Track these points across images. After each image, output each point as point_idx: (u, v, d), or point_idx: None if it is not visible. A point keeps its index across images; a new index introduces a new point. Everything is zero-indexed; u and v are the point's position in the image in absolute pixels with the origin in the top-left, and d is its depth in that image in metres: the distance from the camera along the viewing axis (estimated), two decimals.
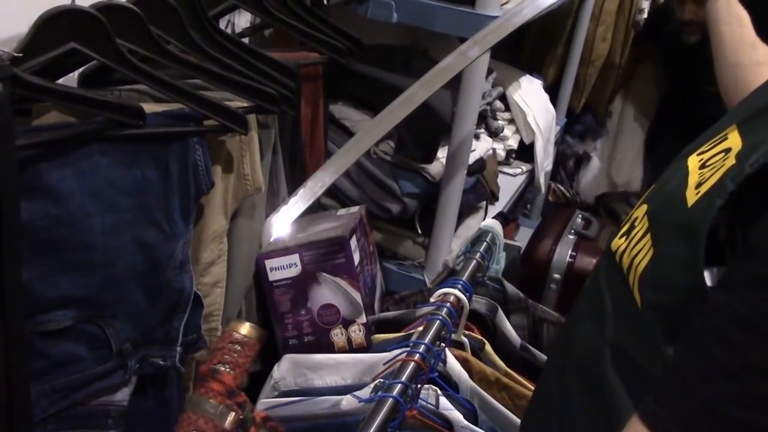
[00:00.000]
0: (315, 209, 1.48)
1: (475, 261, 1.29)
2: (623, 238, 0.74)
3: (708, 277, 0.60)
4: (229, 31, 1.38)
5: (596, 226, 2.50)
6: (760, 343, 0.54)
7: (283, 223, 0.95)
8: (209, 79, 1.00)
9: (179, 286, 1.03)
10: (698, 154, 0.71)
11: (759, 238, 0.57)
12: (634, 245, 0.71)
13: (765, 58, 1.07)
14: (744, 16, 1.11)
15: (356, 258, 1.24)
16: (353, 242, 1.24)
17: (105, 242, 0.95)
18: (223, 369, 0.85)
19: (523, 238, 2.61)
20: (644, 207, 0.75)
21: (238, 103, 1.06)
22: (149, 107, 0.98)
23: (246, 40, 1.41)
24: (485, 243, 1.35)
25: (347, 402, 1.06)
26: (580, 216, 2.54)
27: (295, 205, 0.97)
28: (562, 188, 2.93)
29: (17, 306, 0.82)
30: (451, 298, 1.16)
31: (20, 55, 0.78)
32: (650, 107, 2.91)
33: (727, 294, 0.58)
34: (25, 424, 0.88)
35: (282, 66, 1.16)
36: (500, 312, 1.32)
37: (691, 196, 0.65)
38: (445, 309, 1.13)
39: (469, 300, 1.22)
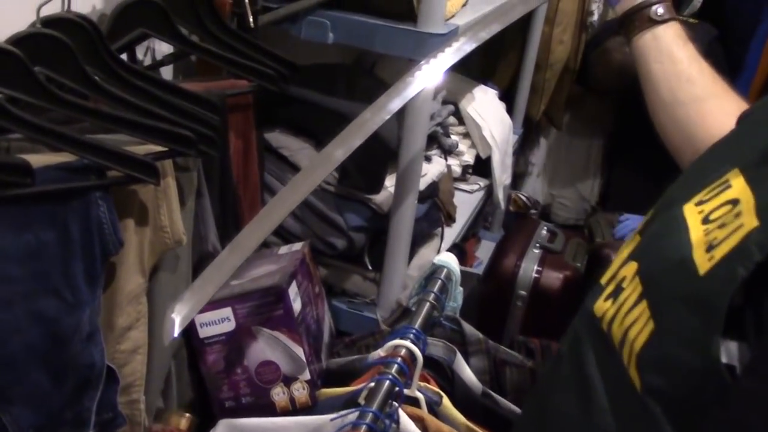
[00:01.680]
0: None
1: (428, 303, 1.17)
2: (609, 302, 0.63)
3: (724, 354, 0.51)
4: (148, 58, 1.25)
5: (562, 238, 2.41)
6: None
7: (187, 315, 0.82)
8: (109, 124, 0.88)
9: (88, 361, 0.90)
10: (696, 204, 0.61)
11: None
12: (626, 313, 0.60)
13: (705, 92, 0.99)
14: (675, 50, 1.02)
15: (296, 307, 1.12)
16: (292, 290, 1.12)
17: None
18: None
19: (485, 252, 2.51)
20: (633, 265, 0.65)
21: (149, 147, 0.93)
22: (43, 158, 0.85)
23: (170, 68, 1.29)
24: (440, 281, 1.23)
25: None
26: (545, 228, 2.45)
27: (203, 290, 0.84)
28: (523, 197, 2.84)
29: None
30: (402, 352, 1.05)
31: None
32: (605, 115, 2.84)
33: (759, 381, 0.48)
34: None
35: (202, 99, 1.03)
36: (458, 356, 1.21)
37: (703, 262, 0.55)
38: (395, 366, 1.02)
39: (423, 348, 1.11)
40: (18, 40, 0.81)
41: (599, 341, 0.64)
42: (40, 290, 0.85)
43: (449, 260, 1.29)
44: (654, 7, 1.05)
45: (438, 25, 1.21)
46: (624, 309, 0.61)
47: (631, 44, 1.07)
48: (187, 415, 0.80)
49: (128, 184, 0.90)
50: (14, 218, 0.82)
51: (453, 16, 1.34)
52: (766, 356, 0.49)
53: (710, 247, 0.55)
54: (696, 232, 0.58)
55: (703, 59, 1.02)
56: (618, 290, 0.63)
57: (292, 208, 0.96)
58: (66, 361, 0.88)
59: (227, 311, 1.09)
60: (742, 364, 0.50)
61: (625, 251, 0.72)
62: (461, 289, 1.31)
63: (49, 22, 0.85)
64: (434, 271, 1.27)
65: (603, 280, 0.71)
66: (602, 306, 0.64)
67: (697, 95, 0.98)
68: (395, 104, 1.02)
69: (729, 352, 0.51)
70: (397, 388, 1.01)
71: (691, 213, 0.60)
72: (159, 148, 0.92)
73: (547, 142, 3.03)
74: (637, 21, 1.05)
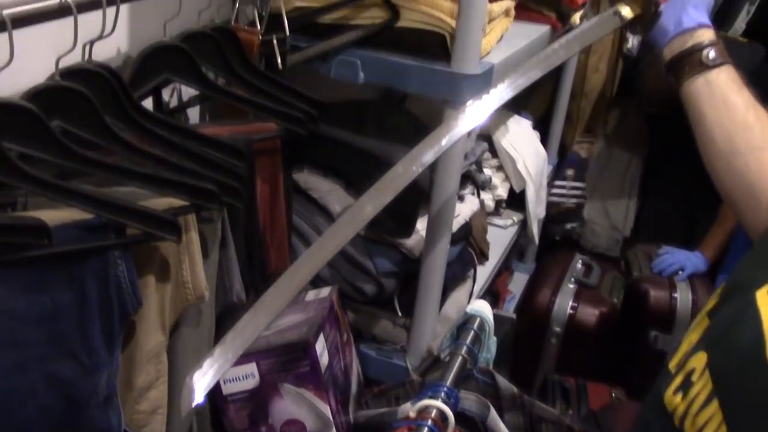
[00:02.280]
0: None
1: (461, 357, 1.12)
2: (679, 395, 0.58)
3: None
4: (175, 99, 1.22)
5: (598, 272, 2.34)
6: None
7: (207, 382, 0.78)
8: (126, 179, 0.84)
9: (104, 426, 0.86)
10: None
11: None
12: (698, 412, 0.55)
13: (765, 141, 0.93)
14: (730, 95, 0.97)
15: (323, 362, 1.07)
16: (319, 344, 1.08)
17: (8, 385, 0.78)
18: None
19: (518, 284, 2.45)
20: (702, 356, 0.59)
21: (172, 200, 0.90)
22: (61, 214, 0.81)
23: (197, 109, 1.26)
24: (473, 332, 1.18)
25: None
26: (580, 261, 2.38)
27: (224, 357, 0.79)
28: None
29: None
30: (433, 413, 1.00)
31: None
32: (641, 142, 2.75)
33: None
34: None
35: (228, 147, 1.00)
36: (492, 411, 1.15)
37: None
38: (426, 429, 0.97)
39: (455, 405, 1.06)
40: (35, 93, 0.77)
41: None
42: (55, 354, 0.81)
43: (483, 309, 1.24)
44: (706, 51, 0.99)
45: (473, 64, 1.17)
46: (695, 406, 0.55)
47: (681, 89, 1.01)
48: None
49: (148, 242, 0.86)
50: (29, 280, 0.78)
51: (488, 54, 1.30)
52: None
53: None
54: None
55: (760, 105, 0.96)
56: (688, 383, 0.57)
57: (320, 267, 0.91)
58: (82, 426, 0.84)
59: (251, 367, 1.05)
60: None
61: (694, 335, 0.66)
62: (495, 338, 1.25)
63: (68, 73, 0.82)
64: (467, 321, 1.22)
65: (672, 365, 0.65)
66: (673, 400, 0.58)
67: (756, 144, 0.92)
68: (428, 157, 0.97)
69: None
70: None
71: (765, 301, 0.55)
72: (179, 205, 0.88)
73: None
74: (687, 65, 0.99)
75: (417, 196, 1.30)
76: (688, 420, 0.55)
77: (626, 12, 1.14)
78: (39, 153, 0.76)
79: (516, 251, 2.47)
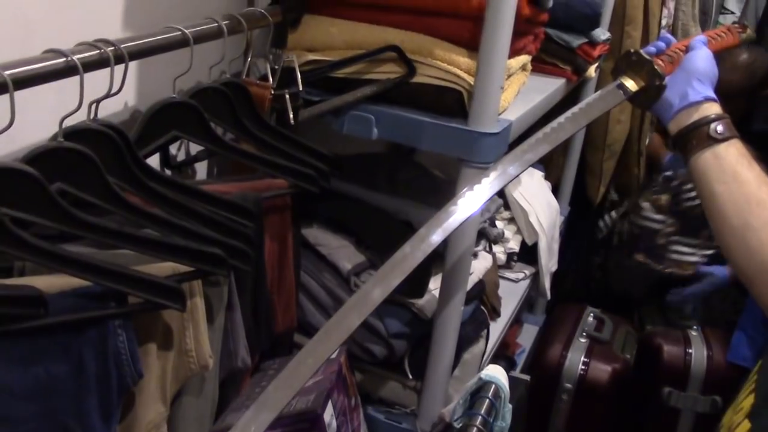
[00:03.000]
0: (288, 351, 1.27)
1: (475, 429, 1.07)
2: None
3: None
4: (182, 154, 1.18)
5: (610, 326, 2.28)
6: None
7: None
8: (128, 245, 0.80)
9: None
10: None
11: None
12: None
13: None
14: (740, 170, 0.94)
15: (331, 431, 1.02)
16: (328, 413, 1.03)
17: None
18: None
19: (527, 337, 2.40)
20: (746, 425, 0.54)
21: (175, 264, 0.85)
22: (59, 281, 0.77)
23: (204, 163, 1.23)
24: (487, 401, 1.13)
25: None
26: (591, 315, 2.32)
27: None
28: None
29: None
30: None
31: None
32: None
33: None
34: None
35: (236, 206, 0.96)
36: None
37: None
38: None
39: None
40: (36, 155, 0.74)
41: None
42: (48, 428, 0.77)
43: (497, 375, 1.18)
44: (713, 125, 0.97)
45: (491, 122, 1.13)
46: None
47: (689, 163, 0.99)
48: None
49: (151, 311, 0.82)
50: (23, 351, 0.74)
51: (505, 110, 1.26)
52: None
53: None
54: None
55: None
56: None
57: (322, 361, 0.86)
58: None
59: None
60: None
61: (744, 402, 0.61)
62: (510, 406, 1.20)
63: (72, 133, 0.78)
64: (481, 387, 1.17)
65: None
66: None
67: None
68: (436, 237, 0.94)
69: None
70: None
71: None
72: (184, 271, 0.84)
73: None
74: (694, 139, 0.97)
75: (429, 256, 1.26)
76: None
77: (630, 84, 1.12)
78: (36, 218, 0.72)
79: (526, 303, 2.42)
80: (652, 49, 1.14)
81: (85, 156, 0.78)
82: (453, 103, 1.16)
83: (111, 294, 0.78)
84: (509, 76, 1.27)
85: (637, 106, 1.16)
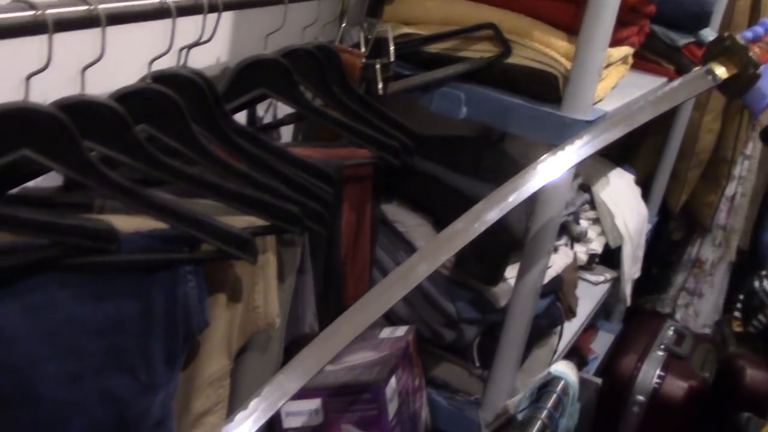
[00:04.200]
0: None
1: (540, 422, 1.03)
2: None
3: None
4: (269, 115, 1.18)
5: (690, 342, 2.19)
6: None
7: (259, 416, 0.72)
8: (209, 193, 0.80)
9: None
10: None
11: None
12: None
13: None
14: None
15: (392, 408, 1.00)
16: (390, 388, 1.01)
17: (59, 395, 0.74)
18: None
19: (601, 344, 2.32)
20: None
21: (252, 219, 0.85)
22: (136, 222, 0.78)
23: (290, 127, 1.23)
24: (555, 395, 1.09)
25: None
26: (672, 328, 2.24)
27: (258, 410, 0.73)
28: None
29: None
30: None
31: None
32: None
33: None
34: None
35: (317, 170, 0.95)
36: None
37: None
38: None
39: None
40: (124, 95, 0.74)
41: None
42: (114, 367, 0.77)
43: (567, 371, 1.14)
44: None
45: (585, 110, 1.09)
46: None
47: None
48: None
49: (223, 260, 0.81)
50: (94, 286, 0.74)
51: (600, 100, 1.22)
52: None
53: None
54: None
55: None
56: None
57: (359, 331, 0.83)
58: None
59: (317, 403, 0.99)
60: None
61: None
62: (578, 405, 1.16)
63: (160, 77, 0.79)
64: (549, 382, 1.13)
65: None
66: None
67: None
68: (492, 215, 0.90)
69: None
70: None
71: None
72: (259, 225, 0.84)
73: None
74: None
75: (509, 242, 1.23)
76: None
77: (720, 72, 1.06)
78: (121, 157, 0.73)
79: (603, 310, 2.35)
80: (748, 34, 1.07)
81: (172, 101, 0.78)
82: (547, 87, 1.12)
83: (184, 239, 0.78)
84: (608, 65, 1.22)
85: (726, 95, 1.10)
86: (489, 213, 0.91)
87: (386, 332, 1.22)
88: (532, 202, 1.18)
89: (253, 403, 0.74)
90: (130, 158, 0.73)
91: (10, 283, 0.69)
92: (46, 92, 0.69)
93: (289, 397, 0.74)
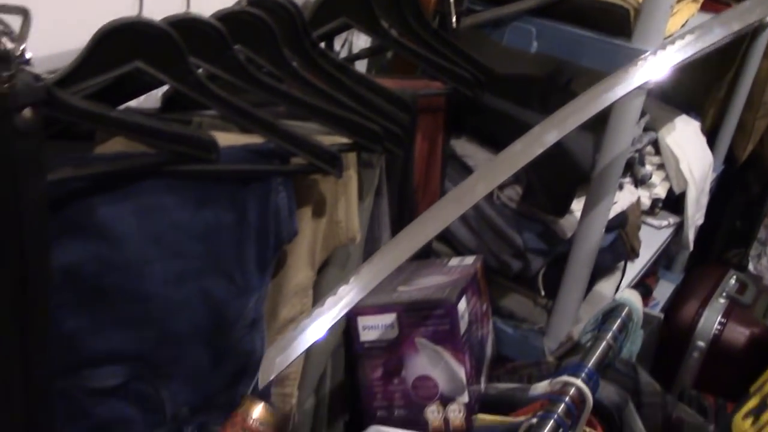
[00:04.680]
0: (425, 256, 1.32)
1: (605, 343, 1.07)
2: (749, 420, 0.50)
3: None
4: (345, 51, 1.23)
5: (753, 290, 2.19)
6: None
7: (285, 358, 0.76)
8: (301, 110, 0.85)
9: (248, 347, 0.89)
10: None
11: None
12: None
13: None
14: None
15: (463, 325, 1.06)
16: (461, 306, 1.06)
17: (165, 293, 0.81)
18: None
19: (662, 292, 2.34)
20: None
21: (336, 138, 0.91)
22: (231, 138, 0.84)
23: (364, 62, 1.27)
24: (620, 320, 1.13)
25: None
26: (734, 277, 2.24)
27: (318, 320, 0.78)
28: None
29: (43, 361, 0.70)
30: (572, 391, 0.96)
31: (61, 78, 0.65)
32: None
33: None
34: None
35: (394, 97, 1.00)
36: (630, 405, 1.10)
37: None
38: (562, 405, 0.93)
39: (595, 390, 1.01)
40: (222, 17, 0.80)
41: None
42: (212, 270, 0.84)
43: (632, 298, 1.18)
44: None
45: (655, 43, 1.11)
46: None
47: None
48: (263, 403, 0.73)
49: (311, 173, 0.87)
50: (196, 194, 0.81)
51: (670, 36, 1.23)
52: None
53: None
54: None
55: None
56: (762, 407, 0.49)
57: (416, 248, 0.86)
58: (227, 345, 0.87)
59: (392, 318, 1.05)
60: None
61: None
62: (642, 332, 1.20)
63: (255, 1, 0.84)
64: (614, 308, 1.17)
65: (752, 388, 0.57)
66: (741, 424, 0.50)
67: None
68: (551, 137, 0.92)
69: None
70: (561, 430, 0.93)
71: None
72: (343, 142, 0.89)
73: None
74: None
75: (576, 175, 1.26)
76: None
77: None
78: (226, 75, 0.79)
79: (664, 258, 2.37)
80: None
81: (266, 24, 0.83)
82: (618, 20, 1.14)
83: (276, 153, 0.84)
84: (680, 0, 1.24)
85: None
86: (548, 135, 0.93)
87: (455, 261, 1.27)
88: (598, 134, 1.21)
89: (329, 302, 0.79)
90: (230, 75, 0.79)
91: (123, 186, 0.76)
92: (154, 10, 0.75)
93: (350, 307, 0.79)
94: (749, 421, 0.49)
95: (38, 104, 0.59)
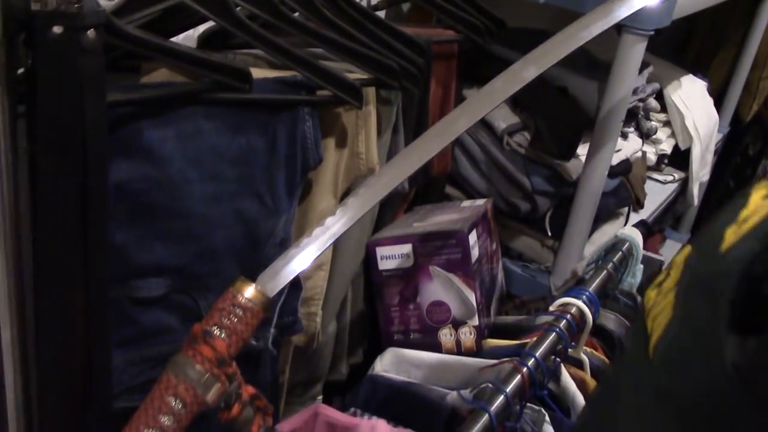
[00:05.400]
0: (438, 200, 1.40)
1: (605, 272, 1.16)
2: (655, 291, 0.54)
3: (734, 351, 0.41)
4: (363, 3, 1.31)
5: None
6: None
7: (274, 286, 0.81)
8: (327, 47, 0.94)
9: None
10: None
11: None
12: (660, 303, 0.51)
13: None
14: None
15: (474, 254, 1.14)
16: (472, 237, 1.15)
17: (203, 211, 0.90)
18: (218, 333, 0.72)
19: (668, 252, 2.41)
20: (687, 249, 0.55)
21: (357, 76, 0.99)
22: (261, 72, 0.92)
23: (381, 13, 1.35)
24: (620, 253, 1.21)
25: (451, 398, 0.97)
26: None
27: (306, 249, 0.82)
28: None
29: (102, 264, 0.78)
30: (573, 310, 1.05)
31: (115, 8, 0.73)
32: None
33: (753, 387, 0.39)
34: (103, 392, 0.84)
35: (411, 41, 1.08)
36: None
37: (731, 235, 0.45)
38: (564, 321, 1.02)
39: (595, 314, 1.10)
40: None
41: (639, 333, 0.55)
42: (245, 192, 0.93)
43: (633, 234, 1.26)
44: None
45: None
46: (660, 298, 0.52)
47: None
48: (255, 284, 0.78)
49: (335, 103, 0.96)
50: (231, 121, 0.89)
51: None
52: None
53: (745, 220, 0.45)
54: (751, 206, 0.47)
55: None
56: (666, 277, 0.54)
57: (403, 178, 0.90)
58: (259, 261, 0.95)
59: (408, 248, 1.13)
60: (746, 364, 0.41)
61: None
62: (642, 266, 1.28)
63: None
64: (616, 243, 1.25)
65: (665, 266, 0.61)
66: (649, 295, 0.55)
67: None
68: (529, 73, 0.96)
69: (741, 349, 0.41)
70: (562, 344, 1.01)
71: (759, 188, 0.50)
72: (364, 77, 0.97)
73: None
74: None
75: (582, 120, 1.34)
76: (652, 313, 0.51)
77: None
78: (264, 15, 0.87)
79: (671, 218, 2.43)
80: None
81: None
82: None
83: (303, 85, 0.93)
84: None
85: None
86: (527, 71, 0.97)
87: (467, 203, 1.35)
88: (603, 83, 1.28)
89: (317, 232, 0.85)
90: (270, 16, 0.87)
91: (167, 112, 0.84)
92: None
93: (336, 236, 0.84)
94: (655, 291, 0.53)
95: (100, 27, 0.68)
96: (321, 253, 0.84)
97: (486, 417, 0.82)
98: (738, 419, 0.39)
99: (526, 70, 0.98)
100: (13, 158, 0.71)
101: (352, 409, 1.01)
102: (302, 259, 0.83)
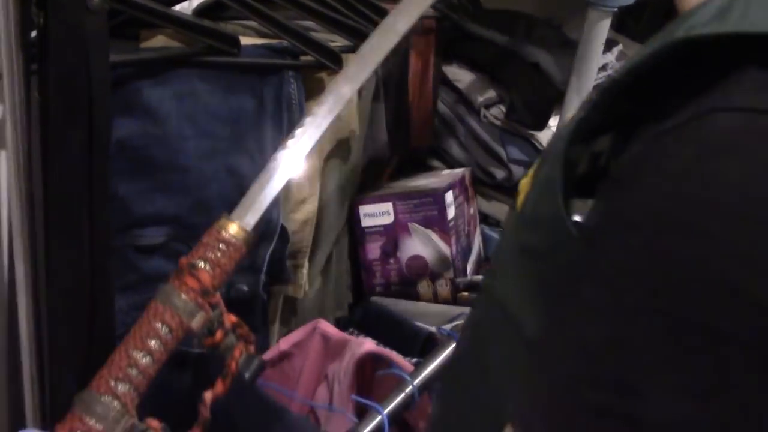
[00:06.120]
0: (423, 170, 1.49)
1: None
2: (526, 177, 0.57)
3: (579, 214, 0.44)
4: None
5: None
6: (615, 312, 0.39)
7: (262, 202, 0.86)
8: (314, 18, 1.02)
9: (266, 216, 1.06)
10: None
11: (632, 161, 0.40)
12: (529, 183, 0.55)
13: None
14: None
15: (450, 213, 1.23)
16: (449, 197, 1.24)
17: (198, 166, 0.99)
18: (202, 266, 0.79)
19: None
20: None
21: (338, 43, 1.08)
22: (251, 40, 1.01)
23: None
24: None
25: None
26: None
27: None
28: None
29: (104, 212, 0.87)
30: None
31: None
32: None
33: (591, 243, 0.42)
34: (107, 331, 0.93)
35: (384, 11, 1.16)
36: None
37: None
38: None
39: None
40: None
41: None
42: (236, 149, 1.02)
43: None
44: None
45: None
46: (527, 178, 0.55)
47: None
48: (237, 222, 0.83)
49: (317, 68, 1.05)
50: (223, 83, 0.99)
51: None
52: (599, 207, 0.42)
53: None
54: None
55: None
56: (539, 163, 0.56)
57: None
58: None
59: (388, 206, 1.22)
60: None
61: None
62: None
63: None
64: None
65: None
66: (523, 182, 0.57)
67: None
68: (402, 25, 0.85)
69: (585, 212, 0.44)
70: None
71: None
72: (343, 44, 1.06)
73: None
74: None
75: (553, 93, 1.43)
76: (521, 196, 0.55)
77: None
78: None
79: None
80: None
81: None
82: None
83: (288, 51, 1.02)
84: None
85: None
86: (399, 24, 0.87)
87: (446, 171, 1.45)
88: (572, 57, 1.37)
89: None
90: None
91: (164, 73, 0.93)
92: None
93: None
94: (528, 178, 0.56)
95: None
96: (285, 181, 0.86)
97: (455, 342, 0.91)
98: (582, 276, 0.42)
99: (399, 23, 0.87)
100: (27, 110, 0.81)
101: (351, 329, 1.11)
102: (273, 186, 0.85)
